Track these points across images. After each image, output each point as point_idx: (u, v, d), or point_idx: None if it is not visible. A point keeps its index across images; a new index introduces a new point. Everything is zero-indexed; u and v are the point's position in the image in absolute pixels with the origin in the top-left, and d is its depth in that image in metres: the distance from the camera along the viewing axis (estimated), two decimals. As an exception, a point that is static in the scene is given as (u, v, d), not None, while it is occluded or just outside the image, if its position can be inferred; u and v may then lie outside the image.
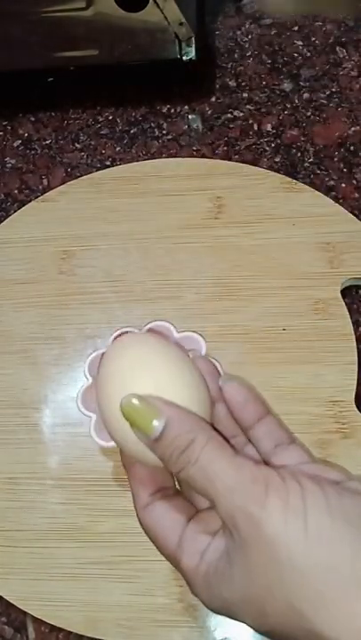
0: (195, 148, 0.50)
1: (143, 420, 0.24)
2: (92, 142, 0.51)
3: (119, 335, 0.30)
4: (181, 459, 0.23)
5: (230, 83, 0.52)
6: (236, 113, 0.51)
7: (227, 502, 0.22)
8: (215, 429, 0.26)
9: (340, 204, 0.45)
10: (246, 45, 0.54)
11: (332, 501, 0.22)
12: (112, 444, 0.34)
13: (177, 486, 0.27)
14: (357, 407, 0.39)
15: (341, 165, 0.48)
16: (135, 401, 0.24)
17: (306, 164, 0.48)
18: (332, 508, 0.22)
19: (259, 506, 0.22)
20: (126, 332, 0.30)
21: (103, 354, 0.28)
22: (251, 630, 0.35)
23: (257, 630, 0.23)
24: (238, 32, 0.54)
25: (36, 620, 0.36)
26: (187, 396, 0.25)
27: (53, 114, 0.53)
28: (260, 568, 0.21)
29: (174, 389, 0.25)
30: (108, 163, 0.50)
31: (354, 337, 0.41)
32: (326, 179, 0.47)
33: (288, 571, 0.21)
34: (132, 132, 0.51)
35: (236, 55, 0.53)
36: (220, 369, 0.29)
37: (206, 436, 0.24)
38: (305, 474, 0.24)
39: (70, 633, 0.36)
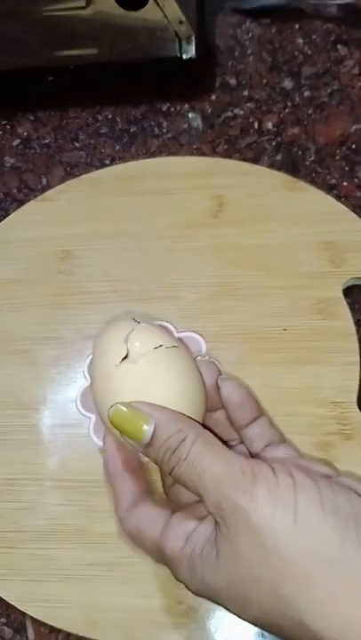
0: (195, 147, 0.49)
1: (132, 427, 0.24)
2: (92, 141, 0.51)
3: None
4: (173, 458, 0.24)
5: (231, 81, 0.52)
6: (236, 111, 0.51)
7: (214, 493, 0.23)
8: (207, 428, 0.26)
9: (341, 202, 0.45)
10: (247, 43, 0.53)
11: (325, 495, 0.22)
12: None
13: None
14: (360, 408, 0.39)
15: (343, 164, 0.48)
16: (122, 409, 0.24)
17: (307, 163, 0.48)
18: (325, 501, 0.22)
19: (246, 496, 0.22)
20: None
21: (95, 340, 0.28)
22: (251, 631, 0.34)
23: (240, 617, 0.23)
24: (238, 30, 0.54)
25: (36, 621, 0.36)
26: (177, 393, 0.25)
27: (53, 113, 0.52)
28: (247, 555, 0.22)
29: (164, 388, 0.25)
30: (107, 162, 0.50)
31: (356, 337, 0.40)
32: (328, 177, 0.47)
33: (274, 558, 0.21)
34: (131, 130, 0.51)
35: (236, 53, 0.53)
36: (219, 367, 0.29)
37: (195, 433, 0.24)
38: (297, 465, 0.24)
39: (70, 634, 0.36)
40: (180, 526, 0.24)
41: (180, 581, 0.24)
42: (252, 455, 0.27)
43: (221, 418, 0.28)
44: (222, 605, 0.23)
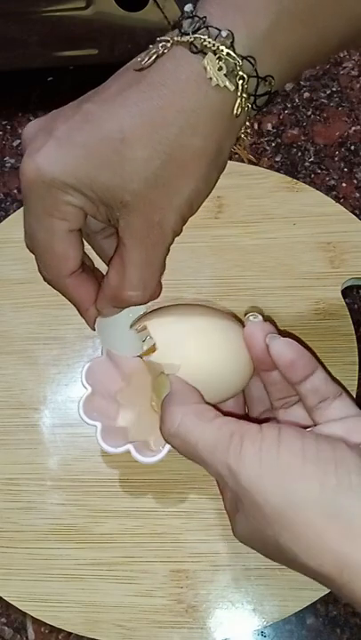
0: (195, 148, 0.50)
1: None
2: (92, 142, 0.51)
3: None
4: (169, 439, 0.26)
5: (230, 82, 0.52)
6: (236, 112, 0.51)
7: (211, 462, 0.24)
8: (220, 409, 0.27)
9: (340, 203, 0.45)
10: (246, 44, 0.53)
11: (308, 444, 0.23)
12: (120, 449, 0.33)
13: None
14: (359, 408, 0.39)
15: (342, 165, 0.48)
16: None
17: (306, 164, 0.48)
18: (306, 449, 0.23)
19: (236, 457, 0.23)
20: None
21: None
22: (251, 630, 0.35)
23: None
24: (238, 31, 0.54)
25: (36, 621, 0.36)
26: (212, 367, 0.28)
27: (53, 113, 0.52)
28: (250, 513, 0.23)
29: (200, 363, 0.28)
30: (107, 162, 0.50)
31: (355, 337, 0.41)
32: (327, 178, 0.47)
33: (268, 511, 0.23)
34: (131, 131, 0.51)
35: (236, 54, 0.53)
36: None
37: (182, 411, 0.25)
38: (293, 424, 0.26)
39: (70, 634, 0.36)
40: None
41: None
42: (307, 411, 0.28)
43: (279, 377, 0.28)
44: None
